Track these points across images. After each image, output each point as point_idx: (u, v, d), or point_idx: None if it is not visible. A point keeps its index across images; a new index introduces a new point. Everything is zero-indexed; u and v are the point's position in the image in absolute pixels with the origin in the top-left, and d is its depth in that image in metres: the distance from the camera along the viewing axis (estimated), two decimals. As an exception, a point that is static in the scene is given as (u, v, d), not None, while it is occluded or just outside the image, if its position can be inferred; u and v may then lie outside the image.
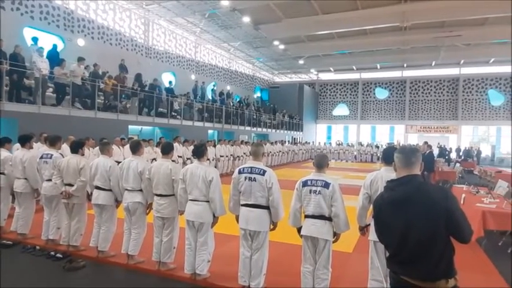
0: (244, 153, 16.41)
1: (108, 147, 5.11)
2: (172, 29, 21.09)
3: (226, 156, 14.86)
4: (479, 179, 13.88)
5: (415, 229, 2.05)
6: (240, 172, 4.00)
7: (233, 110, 20.49)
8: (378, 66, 31.12)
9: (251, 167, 3.97)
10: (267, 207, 3.92)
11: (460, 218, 2.04)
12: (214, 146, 14.16)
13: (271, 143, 19.85)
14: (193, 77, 22.17)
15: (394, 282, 2.23)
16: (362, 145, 28.08)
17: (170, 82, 16.38)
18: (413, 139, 29.98)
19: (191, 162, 6.67)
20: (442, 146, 23.25)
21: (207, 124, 17.50)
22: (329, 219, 3.61)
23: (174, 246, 4.53)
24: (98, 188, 4.89)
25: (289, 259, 4.73)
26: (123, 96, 12.64)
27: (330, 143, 30.07)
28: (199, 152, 4.31)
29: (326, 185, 3.60)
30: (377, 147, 27.60)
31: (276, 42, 23.17)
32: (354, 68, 31.86)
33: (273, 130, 25.34)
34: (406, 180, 2.18)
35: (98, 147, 8.42)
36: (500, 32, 20.52)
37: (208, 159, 12.77)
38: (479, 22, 19.84)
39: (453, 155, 24.61)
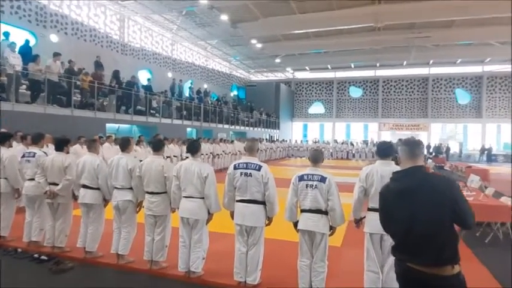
0: (224, 151, 16.38)
1: (96, 144, 4.96)
2: (148, 26, 20.66)
3: (206, 155, 14.75)
4: (451, 174, 14.53)
5: (421, 218, 2.15)
6: (235, 168, 4.01)
7: (211, 108, 20.36)
8: (352, 66, 31.82)
9: (246, 163, 3.98)
10: (262, 203, 3.95)
11: (464, 205, 2.16)
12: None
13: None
14: (170, 74, 21.83)
15: (400, 269, 2.32)
16: (337, 143, 28.66)
17: (149, 79, 16.04)
18: (386, 136, 30.87)
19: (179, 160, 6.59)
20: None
21: (186, 122, 17.30)
22: (325, 213, 3.68)
23: (167, 245, 4.48)
24: (85, 186, 4.75)
25: (284, 255, 4.79)
26: (100, 93, 12.27)
27: (307, 141, 30.50)
28: (193, 148, 4.28)
29: (322, 179, 3.67)
30: (352, 144, 28.32)
31: (253, 41, 23.20)
32: (329, 67, 32.42)
33: (251, 128, 25.40)
34: (411, 171, 2.28)
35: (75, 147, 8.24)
36: (466, 34, 21.58)
37: (187, 157, 12.70)
38: (446, 24, 20.71)
39: (424, 152, 25.59)
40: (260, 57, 28.33)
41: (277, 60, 28.50)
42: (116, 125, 13.78)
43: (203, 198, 4.13)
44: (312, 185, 3.68)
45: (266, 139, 25.40)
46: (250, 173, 3.91)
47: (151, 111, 14.87)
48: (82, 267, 4.58)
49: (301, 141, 30.21)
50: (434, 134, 31.07)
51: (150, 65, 20.61)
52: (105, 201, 4.84)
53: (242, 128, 24.17)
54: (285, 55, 27.84)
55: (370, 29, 21.21)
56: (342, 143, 28.43)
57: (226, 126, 21.77)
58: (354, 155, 27.19)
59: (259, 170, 3.91)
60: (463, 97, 30.37)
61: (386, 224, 2.44)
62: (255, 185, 3.89)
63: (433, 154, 24.24)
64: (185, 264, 4.18)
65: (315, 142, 28.52)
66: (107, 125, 12.28)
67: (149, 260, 4.43)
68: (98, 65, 13.50)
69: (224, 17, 18.69)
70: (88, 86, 11.43)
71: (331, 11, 18.72)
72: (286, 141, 28.74)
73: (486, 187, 8.83)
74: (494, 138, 29.73)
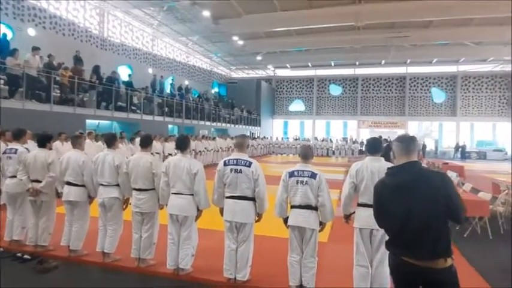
0: (206, 148, 16.28)
1: (81, 140, 4.84)
2: (128, 21, 20.23)
3: (189, 151, 14.63)
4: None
5: (416, 212, 2.21)
6: (225, 164, 4.00)
7: (193, 105, 20.18)
8: (332, 64, 32.25)
9: (237, 159, 3.99)
10: (252, 199, 3.96)
11: (457, 200, 2.23)
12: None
13: (232, 138, 19.84)
14: (150, 70, 21.49)
15: (394, 263, 2.39)
16: (318, 140, 29.01)
17: (129, 75, 15.72)
18: (365, 134, 31.51)
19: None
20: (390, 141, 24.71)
21: (168, 119, 17.09)
22: (315, 209, 3.74)
23: (154, 242, 4.44)
24: (69, 183, 4.63)
25: (273, 251, 4.82)
26: (80, 89, 11.93)
27: (288, 138, 30.72)
28: (182, 144, 4.25)
29: (313, 175, 3.72)
30: (331, 141, 28.79)
31: (235, 38, 23.12)
32: (310, 64, 32.73)
33: (232, 125, 25.35)
34: (406, 167, 2.34)
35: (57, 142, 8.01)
36: (443, 34, 22.24)
37: (170, 154, 12.56)
38: (424, 24, 21.28)
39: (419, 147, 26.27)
40: (241, 54, 28.28)
41: (259, 58, 28.52)
42: (96, 121, 13.47)
43: (192, 194, 4.11)
44: (303, 181, 3.73)
45: (235, 137, 25.39)
46: (240, 169, 3.92)
47: (133, 108, 14.60)
48: (67, 266, 4.48)
49: (282, 138, 30.41)
50: (411, 131, 31.91)
51: (130, 60, 20.21)
52: (90, 199, 4.74)
53: (223, 125, 24.10)
54: (266, 52, 27.89)
55: (351, 28, 21.52)
56: (322, 140, 28.81)
57: (207, 123, 21.65)
58: (333, 152, 27.60)
59: (249, 166, 3.92)
60: (438, 96, 31.35)
61: (381, 219, 2.50)
62: (245, 181, 3.90)
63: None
64: (174, 262, 4.15)
65: (296, 139, 28.76)
66: (87, 121, 11.98)
67: (137, 257, 4.38)
68: (78, 59, 13.13)
69: (206, 13, 18.53)
70: (68, 81, 11.10)
71: (312, 9, 18.88)
72: (267, 138, 28.86)
73: (463, 183, 9.17)
74: (468, 136, 30.86)
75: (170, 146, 13.02)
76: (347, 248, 4.67)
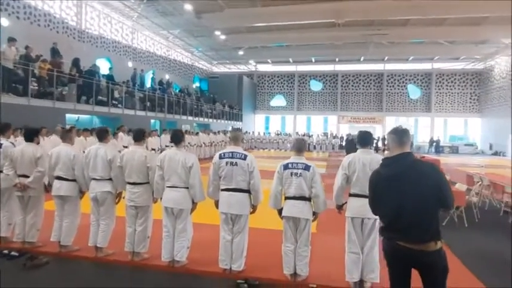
0: (189, 143, 16.18)
1: (71, 135, 4.77)
2: (107, 12, 19.72)
3: (172, 146, 14.53)
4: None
5: (409, 200, 2.38)
6: (220, 157, 4.07)
7: (175, 99, 19.97)
8: (313, 60, 32.62)
9: (232, 152, 4.06)
10: (247, 191, 4.05)
11: (447, 188, 2.41)
12: (159, 135, 13.81)
13: (214, 133, 19.82)
14: (130, 64, 21.07)
15: (389, 247, 2.55)
16: (299, 135, 29.32)
17: (110, 68, 15.37)
18: (345, 129, 32.13)
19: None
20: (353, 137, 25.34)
21: (150, 114, 16.86)
22: (309, 199, 3.87)
23: (149, 236, 4.45)
24: (59, 178, 4.56)
25: (264, 242, 4.91)
26: (59, 82, 11.59)
27: (269, 133, 30.91)
28: (177, 138, 4.28)
29: (307, 167, 3.85)
30: (311, 136, 29.25)
31: (217, 32, 22.97)
32: (291, 60, 32.98)
33: (214, 120, 25.27)
34: (400, 158, 2.49)
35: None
36: (419, 32, 22.89)
37: (153, 149, 12.45)
38: (402, 23, 21.84)
39: (379, 144, 26.96)
40: (223, 49, 28.14)
41: (241, 53, 28.47)
42: (76, 116, 13.14)
43: (187, 187, 4.15)
44: (297, 173, 3.85)
45: (230, 131, 25.42)
46: (236, 162, 3.99)
47: (114, 102, 14.32)
48: (58, 262, 4.43)
49: (264, 133, 30.57)
50: (388, 126, 32.76)
51: (109, 53, 19.74)
52: (81, 193, 4.69)
53: (206, 120, 23.99)
54: (248, 47, 27.89)
55: (331, 24, 21.79)
56: (303, 135, 29.16)
57: (190, 118, 21.49)
58: (314, 147, 28.03)
59: (244, 159, 4.00)
60: (414, 92, 32.32)
61: (377, 207, 2.66)
62: (240, 173, 3.98)
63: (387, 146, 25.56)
64: (169, 254, 4.19)
65: (278, 134, 29.01)
66: (67, 115, 11.67)
67: (131, 251, 4.38)
68: (55, 51, 12.75)
69: (188, 7, 18.31)
70: (46, 74, 10.76)
71: (294, 5, 19.00)
72: (249, 133, 28.95)
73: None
74: (442, 131, 32.01)
75: (153, 140, 12.93)
76: (335, 238, 4.87)
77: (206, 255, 4.46)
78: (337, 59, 32.14)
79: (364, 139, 3.84)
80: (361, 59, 31.10)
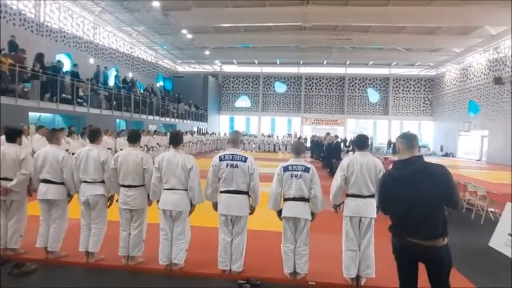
0: (158, 144, 15.84)
1: (57, 135, 4.55)
2: (68, 6, 18.72)
3: (141, 147, 14.11)
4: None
5: (420, 200, 2.60)
6: (221, 159, 4.10)
7: (141, 98, 19.41)
8: (278, 62, 33.11)
9: (232, 154, 4.11)
10: (246, 193, 4.12)
11: (455, 190, 2.66)
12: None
13: (185, 133, 19.53)
14: (91, 60, 20.16)
15: (399, 244, 2.77)
16: (264, 136, 29.71)
17: (75, 65, 14.60)
18: (308, 131, 32.97)
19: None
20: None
21: (116, 113, 16.25)
22: (307, 200, 4.02)
23: (144, 239, 4.37)
24: (46, 181, 4.35)
25: (259, 244, 4.97)
26: (22, 78, 10.86)
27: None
28: (176, 140, 4.25)
29: (306, 169, 3.99)
30: (277, 137, 29.75)
31: (184, 31, 22.63)
32: (256, 62, 33.23)
33: (180, 120, 24.87)
34: (413, 161, 2.71)
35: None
36: (379, 39, 24.08)
37: (121, 149, 12.04)
38: (364, 29, 22.84)
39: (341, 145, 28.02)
40: (189, 48, 27.77)
41: (207, 52, 28.25)
42: (37, 114, 12.39)
43: (186, 190, 4.14)
44: (297, 175, 3.98)
45: (196, 132, 25.15)
46: (236, 165, 4.05)
47: (79, 100, 13.65)
48: (46, 268, 4.22)
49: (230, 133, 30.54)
50: (349, 128, 34.13)
51: (69, 49, 18.77)
52: (69, 197, 4.50)
53: (172, 120, 23.54)
54: (214, 47, 27.73)
55: (298, 28, 22.31)
56: (269, 136, 29.56)
57: (156, 118, 20.98)
58: (279, 148, 28.48)
59: (245, 161, 4.07)
60: (373, 96, 33.89)
61: (387, 207, 2.86)
62: (241, 175, 4.04)
63: (351, 147, 26.63)
64: (167, 257, 4.15)
65: (244, 135, 29.11)
66: (30, 113, 10.97)
67: (125, 255, 4.28)
68: (13, 45, 11.92)
69: (156, 4, 17.89)
70: (8, 70, 10.05)
71: (263, 7, 19.23)
72: (215, 134, 28.82)
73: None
74: (398, 133, 33.69)
75: (122, 141, 12.49)
76: (328, 237, 5.06)
77: (202, 257, 4.47)
78: (301, 62, 32.88)
79: (362, 142, 4.05)
80: (324, 63, 32.07)
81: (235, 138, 4.29)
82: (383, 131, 33.96)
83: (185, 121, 25.49)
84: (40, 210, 4.45)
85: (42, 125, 9.55)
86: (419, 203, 2.60)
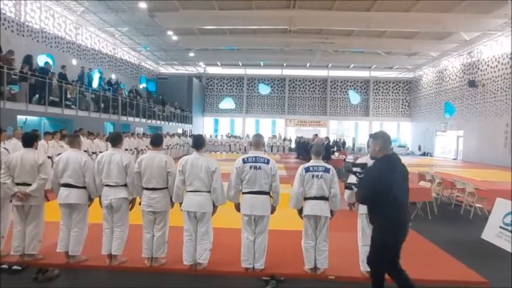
0: (147, 146, 15.70)
1: (79, 139, 4.55)
2: (49, 5, 18.25)
3: (131, 150, 14.02)
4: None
5: (397, 188, 3.25)
6: (244, 162, 4.25)
7: (128, 100, 19.16)
8: (262, 64, 33.39)
9: (255, 157, 4.26)
10: (268, 193, 4.29)
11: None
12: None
13: (170, 136, 19.44)
14: (74, 62, 19.75)
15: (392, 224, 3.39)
16: (249, 137, 29.82)
17: (63, 66, 14.27)
18: (292, 132, 33.39)
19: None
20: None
21: (104, 115, 15.99)
22: (327, 199, 4.23)
23: (167, 241, 4.45)
24: (68, 185, 4.34)
25: (280, 242, 5.10)
26: (10, 81, 10.57)
27: (222, 136, 30.93)
28: (198, 143, 4.36)
29: (327, 170, 4.20)
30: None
31: (169, 32, 22.50)
32: (240, 63, 33.39)
33: (166, 122, 24.68)
34: (389, 158, 3.33)
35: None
36: (361, 42, 24.80)
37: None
38: (347, 33, 23.43)
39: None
40: (173, 50, 27.61)
41: (191, 54, 28.16)
42: (24, 117, 12.06)
43: (209, 191, 4.25)
44: (318, 175, 4.18)
45: (181, 134, 25.03)
46: (259, 166, 4.20)
47: (66, 103, 13.37)
48: (68, 273, 4.22)
49: (215, 135, 30.55)
50: (332, 130, 34.82)
51: (51, 49, 18.30)
52: (90, 201, 4.52)
53: (158, 122, 23.33)
54: (198, 49, 27.68)
55: (283, 31, 22.66)
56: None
57: (143, 120, 20.75)
58: (265, 150, 28.69)
59: (268, 163, 4.24)
60: (354, 98, 34.74)
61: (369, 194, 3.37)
62: (264, 177, 4.20)
63: (335, 148, 27.19)
64: (192, 258, 4.25)
65: (229, 137, 29.19)
66: (18, 117, 10.69)
67: (149, 257, 4.35)
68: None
69: (143, 5, 17.74)
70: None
71: (249, 11, 19.43)
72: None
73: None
74: (378, 134, 34.70)
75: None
76: (344, 235, 5.26)
77: (224, 256, 4.59)
78: (285, 64, 33.29)
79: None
80: (308, 65, 32.60)
81: (258, 141, 4.45)
82: (364, 131, 34.82)
83: (171, 123, 25.31)
84: (60, 214, 4.44)
85: (20, 127, 9.27)
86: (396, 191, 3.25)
